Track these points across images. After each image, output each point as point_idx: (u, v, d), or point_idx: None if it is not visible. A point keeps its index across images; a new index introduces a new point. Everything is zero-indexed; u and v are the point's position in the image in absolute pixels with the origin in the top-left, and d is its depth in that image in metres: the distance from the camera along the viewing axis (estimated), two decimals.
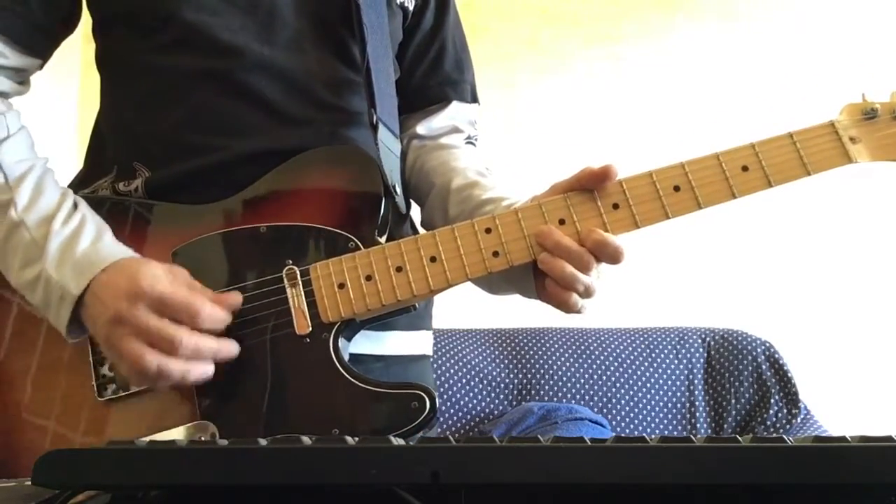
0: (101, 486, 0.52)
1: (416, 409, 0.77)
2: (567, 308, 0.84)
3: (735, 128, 2.33)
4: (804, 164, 0.81)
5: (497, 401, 1.95)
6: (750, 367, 1.97)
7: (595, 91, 2.48)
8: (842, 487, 0.48)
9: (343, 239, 0.84)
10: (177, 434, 0.79)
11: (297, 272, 0.82)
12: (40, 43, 0.92)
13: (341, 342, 0.82)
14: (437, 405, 0.77)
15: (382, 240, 0.85)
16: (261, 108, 0.90)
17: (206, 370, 0.77)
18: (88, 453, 0.53)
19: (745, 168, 0.81)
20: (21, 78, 0.93)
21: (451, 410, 1.93)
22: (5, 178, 0.83)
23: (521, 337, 2.04)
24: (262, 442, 0.52)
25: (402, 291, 0.81)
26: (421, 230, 1.03)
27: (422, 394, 0.77)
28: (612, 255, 0.82)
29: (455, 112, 1.07)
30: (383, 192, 0.86)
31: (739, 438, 0.48)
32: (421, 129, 1.06)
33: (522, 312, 2.26)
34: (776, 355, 1.98)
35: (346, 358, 0.83)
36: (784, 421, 1.92)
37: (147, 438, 0.77)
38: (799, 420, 1.92)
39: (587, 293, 0.84)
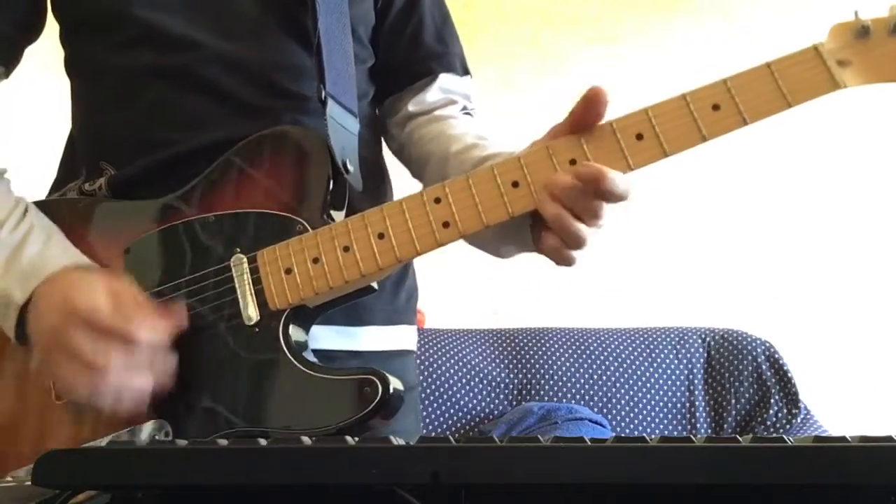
0: (101, 486, 0.52)
1: (368, 395, 0.73)
2: (562, 260, 0.77)
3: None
4: (783, 95, 0.72)
5: (497, 401, 1.95)
6: (750, 367, 1.97)
7: None
8: (842, 487, 0.47)
9: (291, 222, 0.81)
10: (132, 434, 0.77)
11: (244, 260, 0.80)
12: (2, 52, 0.93)
13: (293, 330, 0.79)
14: (395, 389, 0.74)
15: (339, 219, 0.82)
16: (219, 100, 0.90)
17: (140, 390, 0.74)
18: (88, 453, 0.53)
19: (715, 107, 0.73)
20: None
21: (451, 410, 1.93)
22: None
23: (521, 337, 2.04)
24: (263, 442, 0.52)
25: (349, 272, 0.77)
26: None
27: (373, 378, 0.73)
28: (618, 192, 0.71)
29: (446, 84, 1.04)
30: (331, 170, 0.83)
31: (739, 438, 0.48)
32: (412, 106, 1.03)
33: (522, 312, 2.26)
34: (776, 355, 1.98)
35: (307, 350, 0.80)
36: (784, 421, 1.92)
37: (106, 439, 0.76)
38: (799, 420, 1.92)
39: (582, 243, 0.75)
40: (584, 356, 1.99)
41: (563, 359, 1.99)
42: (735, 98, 0.73)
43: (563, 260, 0.76)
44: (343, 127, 0.90)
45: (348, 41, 0.95)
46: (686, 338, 2.04)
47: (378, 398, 0.73)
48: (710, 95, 0.74)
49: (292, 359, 0.77)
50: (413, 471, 0.47)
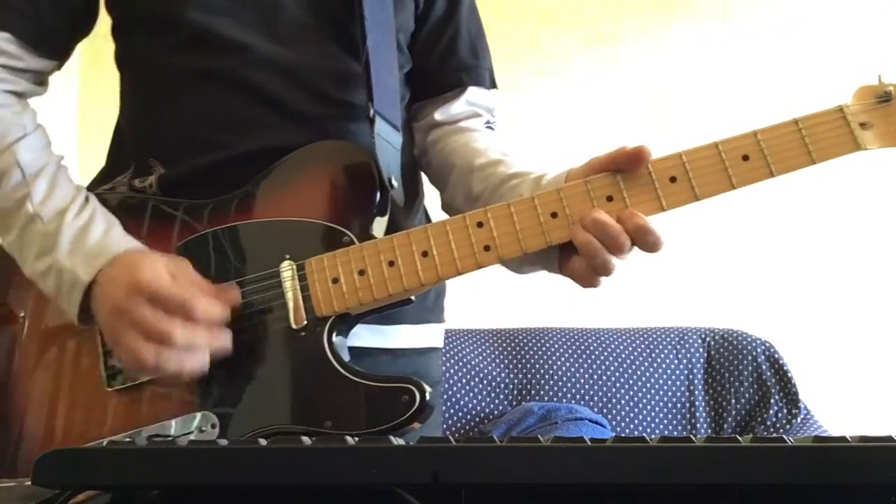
0: (101, 486, 0.52)
1: (405, 403, 0.77)
2: (588, 284, 0.82)
3: (735, 128, 2.34)
4: (809, 152, 0.77)
5: (497, 401, 1.95)
6: (750, 367, 1.97)
7: (595, 91, 2.48)
8: (842, 487, 0.48)
9: (338, 233, 0.85)
10: (181, 423, 0.81)
11: (294, 267, 0.83)
12: (54, 45, 0.94)
13: (336, 336, 0.83)
14: (430, 398, 0.78)
15: (381, 233, 0.86)
16: (266, 104, 0.92)
17: (201, 363, 0.79)
18: (88, 453, 0.53)
19: (745, 157, 0.78)
20: (38, 79, 0.95)
21: (451, 410, 1.93)
22: (23, 175, 0.86)
23: (521, 337, 2.04)
24: (262, 442, 0.52)
25: (393, 285, 0.82)
26: (444, 216, 1.02)
27: (412, 388, 0.77)
28: (651, 244, 0.79)
29: (473, 97, 1.07)
30: (378, 185, 0.87)
31: (739, 438, 0.48)
32: (438, 115, 1.06)
33: (522, 312, 2.26)
34: (776, 355, 1.98)
35: (345, 351, 0.84)
36: (784, 421, 1.92)
37: (150, 429, 0.80)
38: (799, 420, 1.93)
39: (610, 271, 0.81)
40: (584, 356, 1.99)
41: (563, 359, 1.99)
42: (764, 151, 0.78)
43: (589, 284, 0.82)
44: (388, 143, 0.94)
45: (394, 55, 0.99)
46: (686, 338, 2.04)
47: (416, 406, 0.77)
48: (741, 146, 0.79)
49: (336, 363, 0.80)
50: (413, 471, 0.47)
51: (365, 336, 0.92)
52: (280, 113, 0.92)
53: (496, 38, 1.15)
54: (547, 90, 2.48)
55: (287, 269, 0.83)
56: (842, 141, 0.77)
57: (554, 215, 0.80)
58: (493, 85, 1.10)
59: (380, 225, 0.88)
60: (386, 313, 0.91)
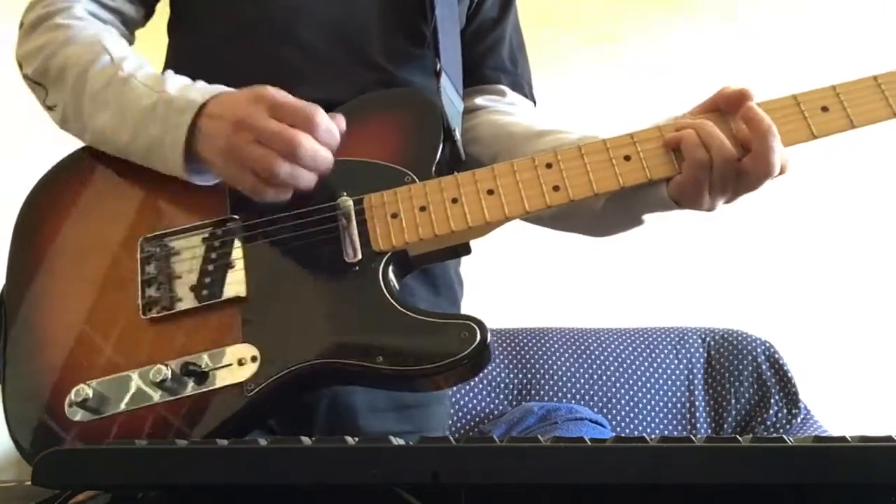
0: (101, 486, 0.52)
1: (466, 339, 0.74)
2: (697, 196, 0.79)
3: None
4: (889, 105, 0.79)
5: (497, 401, 1.95)
6: (750, 367, 1.97)
7: (595, 91, 2.48)
8: (842, 487, 0.48)
9: (399, 174, 0.84)
10: (217, 355, 0.77)
11: (352, 202, 0.82)
12: None
13: (392, 275, 0.81)
14: (489, 341, 0.75)
15: None
16: (317, 61, 0.93)
17: (314, 175, 0.79)
18: (88, 453, 0.53)
19: (825, 108, 0.79)
20: (123, 22, 0.98)
21: (452, 410, 1.93)
22: (111, 58, 0.86)
23: (521, 337, 2.04)
24: (262, 442, 0.52)
25: (456, 222, 0.80)
26: None
27: (472, 324, 0.75)
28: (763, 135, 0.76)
29: (516, 101, 1.08)
30: (443, 132, 0.86)
31: (739, 438, 0.48)
32: (482, 101, 1.07)
33: (522, 312, 2.26)
34: (776, 355, 1.98)
35: (400, 292, 0.82)
36: (784, 421, 1.92)
37: (196, 356, 0.76)
38: (799, 420, 1.92)
39: (722, 189, 0.79)
40: (584, 356, 1.99)
41: (563, 359, 1.99)
42: (843, 102, 0.79)
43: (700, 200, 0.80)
44: (451, 101, 0.95)
45: (457, 33, 1.01)
46: (686, 338, 2.04)
47: (475, 344, 0.74)
48: (820, 98, 0.79)
49: (391, 299, 0.78)
50: (413, 471, 0.47)
51: None
52: (329, 72, 0.93)
53: None
54: (546, 89, 2.48)
55: (344, 204, 0.81)
56: None
57: (627, 158, 0.79)
58: (532, 98, 1.11)
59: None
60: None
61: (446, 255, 0.84)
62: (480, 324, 0.75)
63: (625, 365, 1.98)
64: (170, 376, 0.74)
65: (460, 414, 1.93)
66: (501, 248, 2.28)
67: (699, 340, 2.03)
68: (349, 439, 0.52)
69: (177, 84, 0.84)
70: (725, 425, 1.94)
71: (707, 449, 0.47)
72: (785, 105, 0.79)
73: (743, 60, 2.45)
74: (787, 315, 2.26)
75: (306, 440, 0.52)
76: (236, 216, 0.83)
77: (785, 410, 1.93)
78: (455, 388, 1.95)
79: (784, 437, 0.48)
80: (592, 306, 2.27)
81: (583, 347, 2.01)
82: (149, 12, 1.01)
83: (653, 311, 2.25)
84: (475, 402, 1.94)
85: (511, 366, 1.99)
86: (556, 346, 2.01)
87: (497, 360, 2.00)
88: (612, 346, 2.02)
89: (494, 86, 1.08)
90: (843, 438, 0.47)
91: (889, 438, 0.47)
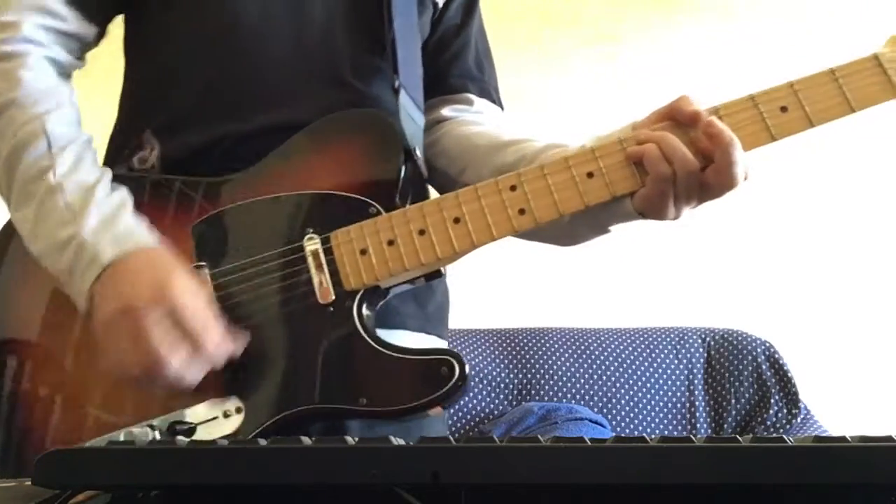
0: (101, 486, 0.52)
1: (445, 376, 0.75)
2: (662, 208, 0.79)
3: None
4: (847, 101, 0.76)
5: (497, 401, 1.95)
6: (750, 367, 1.97)
7: (595, 91, 2.48)
8: (842, 487, 0.48)
9: (363, 205, 0.82)
10: (201, 410, 0.77)
11: (318, 240, 0.81)
12: (100, 9, 0.92)
13: (366, 311, 0.80)
14: (468, 373, 0.75)
15: (405, 205, 0.84)
16: (285, 81, 0.90)
17: (187, 389, 0.76)
18: (88, 453, 0.53)
19: (783, 108, 0.77)
20: (79, 48, 0.92)
21: (452, 410, 1.93)
22: (49, 146, 0.81)
23: (521, 337, 2.04)
24: (262, 442, 0.52)
25: (425, 255, 0.79)
26: None
27: (451, 359, 0.75)
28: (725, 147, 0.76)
29: (483, 108, 1.06)
30: (403, 154, 0.84)
31: (739, 438, 0.48)
32: (448, 112, 1.05)
33: (522, 312, 2.26)
34: (776, 355, 1.98)
35: (373, 326, 0.81)
36: (784, 421, 1.92)
37: (167, 417, 0.77)
38: (799, 420, 1.92)
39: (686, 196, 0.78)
40: (584, 356, 1.99)
41: (563, 359, 1.99)
42: (801, 101, 0.77)
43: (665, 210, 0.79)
44: (412, 118, 0.92)
45: (417, 45, 0.98)
46: (686, 338, 2.04)
47: (455, 379, 0.74)
48: (779, 98, 0.78)
49: (368, 338, 0.78)
50: (413, 471, 0.47)
51: None
52: (297, 92, 0.90)
53: (496, 38, 1.15)
54: (546, 89, 2.48)
55: (311, 244, 0.80)
56: (880, 89, 0.76)
57: (590, 175, 0.79)
58: (499, 104, 1.09)
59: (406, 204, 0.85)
60: (388, 318, 0.89)
61: (417, 281, 0.83)
62: (458, 358, 0.76)
63: (625, 365, 1.98)
64: (157, 437, 0.73)
65: (460, 414, 1.93)
66: (501, 248, 2.28)
67: (699, 340, 2.03)
68: (349, 439, 0.52)
69: (97, 217, 0.79)
70: (725, 425, 1.93)
71: (707, 449, 0.47)
72: (744, 108, 0.78)
73: (743, 60, 2.45)
74: (787, 315, 2.26)
75: (306, 440, 0.52)
76: (203, 263, 0.82)
77: (785, 410, 1.93)
78: None
79: (784, 437, 0.48)
80: (592, 306, 2.27)
81: (583, 347, 2.01)
82: (102, 31, 0.95)
83: (653, 311, 2.25)
84: (475, 402, 1.94)
85: (511, 366, 1.99)
86: (556, 346, 2.01)
87: (497, 360, 2.00)
88: (612, 346, 2.02)
89: (461, 94, 1.06)
90: (843, 438, 0.47)
91: (889, 438, 0.47)
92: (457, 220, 0.79)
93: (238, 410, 0.77)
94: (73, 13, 0.88)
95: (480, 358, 2.00)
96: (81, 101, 0.91)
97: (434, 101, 1.05)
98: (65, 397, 0.82)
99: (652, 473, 0.46)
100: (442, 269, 0.83)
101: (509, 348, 2.02)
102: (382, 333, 0.91)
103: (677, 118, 0.80)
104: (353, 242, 0.80)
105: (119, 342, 0.75)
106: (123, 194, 0.83)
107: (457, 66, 1.06)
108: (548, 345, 2.01)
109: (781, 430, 1.90)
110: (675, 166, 0.77)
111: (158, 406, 0.78)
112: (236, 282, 0.81)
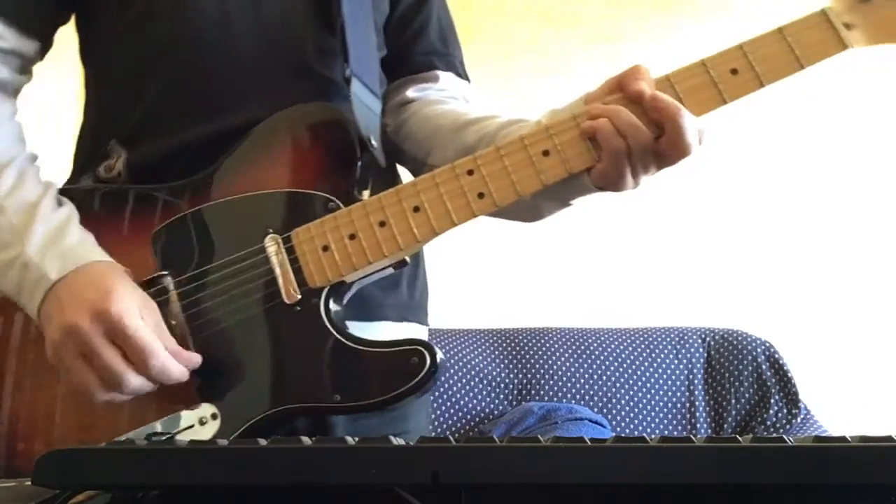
0: (101, 486, 0.52)
1: (416, 365, 0.74)
2: (619, 180, 0.78)
3: (735, 127, 2.33)
4: (797, 58, 0.77)
5: (497, 401, 1.95)
6: (750, 367, 1.97)
7: None
8: (842, 487, 0.48)
9: (322, 200, 0.81)
10: (176, 419, 0.77)
11: (279, 240, 0.80)
12: (37, 23, 0.90)
13: (333, 306, 0.80)
14: (440, 360, 0.75)
15: (365, 196, 0.83)
16: (251, 77, 0.88)
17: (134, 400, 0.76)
18: (88, 453, 0.53)
19: (734, 71, 0.77)
20: (21, 65, 0.91)
21: (451, 410, 1.93)
22: None
23: (521, 337, 2.04)
24: (262, 442, 0.52)
25: (388, 247, 0.79)
26: None
27: (421, 349, 0.75)
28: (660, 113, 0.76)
29: (447, 83, 1.04)
30: (358, 145, 0.83)
31: (739, 438, 0.48)
32: (413, 93, 1.03)
33: (522, 312, 2.26)
34: (776, 355, 1.98)
35: (344, 319, 0.81)
36: (784, 421, 1.92)
37: (142, 430, 0.77)
38: (799, 420, 1.92)
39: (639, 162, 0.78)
40: (584, 356, 1.99)
41: (563, 359, 1.99)
42: (752, 62, 0.77)
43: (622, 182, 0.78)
44: (367, 106, 0.90)
45: (370, 26, 0.96)
46: (686, 338, 2.04)
47: (426, 369, 0.74)
48: (728, 61, 0.78)
49: (337, 334, 0.78)
50: (413, 471, 0.47)
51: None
52: (265, 87, 0.88)
53: (496, 38, 1.15)
54: (546, 89, 2.48)
55: (272, 244, 0.80)
56: (828, 43, 0.77)
57: (546, 153, 0.78)
58: (466, 78, 1.07)
59: (363, 195, 0.84)
60: (367, 310, 0.89)
61: (383, 272, 0.83)
62: (429, 347, 0.75)
63: (625, 365, 1.98)
64: None
65: (460, 414, 1.93)
66: (501, 248, 2.29)
67: (699, 340, 2.03)
68: (349, 439, 0.52)
69: (42, 235, 0.78)
70: (725, 425, 1.93)
71: (707, 449, 0.47)
72: (694, 74, 0.78)
73: None
74: (787, 315, 2.26)
75: (306, 440, 0.52)
76: (166, 272, 0.81)
77: (785, 410, 1.93)
78: (455, 389, 1.95)
79: (784, 437, 0.48)
80: (592, 306, 2.27)
81: (583, 347, 2.01)
82: (46, 44, 0.94)
83: (653, 311, 2.25)
84: (475, 402, 1.94)
85: (511, 366, 1.99)
86: (556, 346, 2.01)
87: (497, 360, 2.00)
88: (612, 346, 2.02)
89: (427, 73, 1.04)
90: (843, 438, 0.47)
91: (889, 438, 0.47)
92: (416, 209, 0.79)
93: (214, 417, 0.77)
94: (10, 31, 0.87)
95: (480, 358, 2.00)
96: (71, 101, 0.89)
97: (399, 83, 1.04)
98: (29, 416, 0.81)
99: (652, 473, 0.46)
100: (407, 257, 0.83)
101: (509, 348, 2.02)
102: (362, 326, 0.90)
103: (625, 91, 0.80)
104: (315, 239, 0.80)
105: (67, 362, 0.75)
106: (69, 210, 0.82)
107: (420, 42, 1.04)
108: (548, 345, 2.01)
109: (781, 430, 1.90)
110: (629, 140, 0.76)
111: (131, 420, 0.78)
112: (201, 288, 0.81)
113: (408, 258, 0.83)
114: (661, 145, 0.77)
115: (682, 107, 0.76)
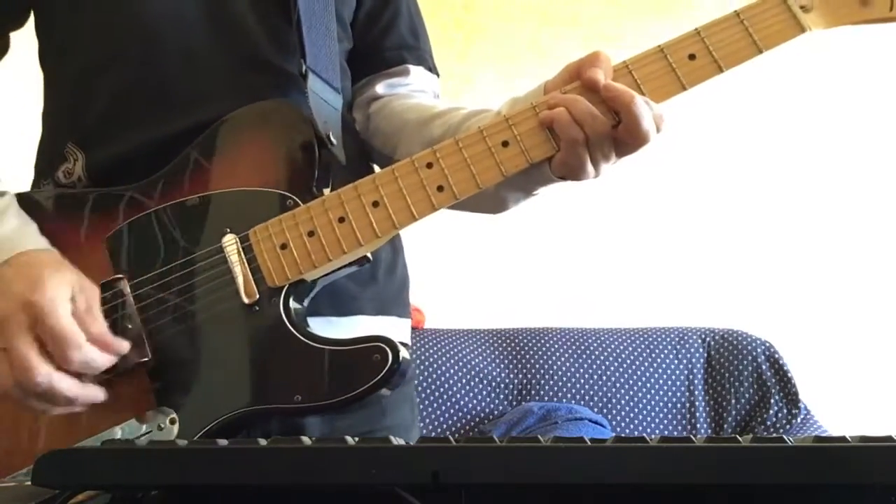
0: (101, 486, 0.52)
1: (378, 362, 0.73)
2: (579, 169, 0.77)
3: (734, 126, 2.34)
4: (754, 42, 0.76)
5: (497, 401, 1.95)
6: (750, 367, 1.97)
7: None
8: (842, 487, 0.47)
9: (279, 198, 0.80)
10: (134, 425, 0.76)
11: (237, 239, 0.79)
12: None
13: (294, 305, 0.78)
14: (405, 355, 0.73)
15: (326, 193, 0.82)
16: (208, 73, 0.87)
17: (61, 408, 0.73)
18: (88, 453, 0.53)
19: (692, 56, 0.77)
20: None
21: (451, 410, 1.93)
22: None
23: (521, 337, 2.04)
24: (262, 442, 0.52)
25: (347, 243, 0.78)
26: None
27: (382, 345, 0.73)
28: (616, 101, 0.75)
29: (417, 78, 1.04)
30: (315, 142, 0.82)
31: (739, 438, 0.47)
32: (382, 89, 1.02)
33: (522, 312, 2.26)
34: (776, 355, 1.98)
35: (305, 317, 0.80)
36: (784, 421, 1.92)
37: (105, 433, 0.75)
38: (799, 420, 1.93)
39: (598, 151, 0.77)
40: (584, 356, 1.99)
41: (563, 359, 1.99)
42: (709, 47, 0.77)
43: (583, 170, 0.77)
44: (325, 101, 0.89)
45: (331, 19, 0.94)
46: (686, 338, 2.04)
47: (388, 365, 0.73)
48: (686, 46, 0.78)
49: (297, 333, 0.76)
50: (413, 471, 0.47)
51: (321, 328, 0.87)
52: (222, 83, 0.87)
53: (495, 38, 1.15)
54: None
55: (230, 243, 0.79)
56: (785, 26, 0.76)
57: (505, 144, 0.77)
58: (434, 71, 1.06)
59: (326, 192, 0.82)
60: (344, 304, 0.88)
61: (347, 269, 0.81)
62: (390, 343, 0.74)
63: (625, 365, 1.98)
64: None
65: (460, 414, 1.93)
66: (501, 248, 2.29)
67: (699, 340, 2.03)
68: (349, 439, 0.52)
69: None
70: (725, 425, 1.94)
71: (707, 449, 0.47)
72: (652, 60, 0.78)
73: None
74: (787, 315, 2.26)
75: (306, 440, 0.52)
76: (121, 275, 0.80)
77: (785, 410, 1.93)
78: (455, 388, 1.95)
79: (784, 437, 0.48)
80: (592, 306, 2.27)
81: (583, 347, 2.01)
82: (4, 45, 0.92)
83: (653, 311, 2.25)
84: (475, 402, 1.95)
85: (511, 366, 1.99)
86: (556, 346, 2.01)
87: (497, 360, 2.00)
88: (612, 346, 2.02)
89: (397, 67, 1.03)
90: (843, 438, 0.47)
91: (889, 438, 0.47)
92: (376, 204, 0.78)
93: (172, 421, 0.75)
94: None
95: (480, 358, 2.00)
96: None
97: (369, 79, 1.03)
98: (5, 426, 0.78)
99: (652, 473, 0.46)
100: (369, 254, 0.81)
101: (509, 348, 2.02)
102: (335, 321, 0.89)
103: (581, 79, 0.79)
104: (273, 238, 0.78)
105: None
106: (8, 199, 0.82)
107: (390, 37, 1.03)
108: (548, 345, 2.01)
109: (781, 430, 1.90)
110: (586, 129, 0.75)
111: (84, 428, 0.76)
112: (158, 290, 0.79)
113: (370, 255, 0.81)
114: (619, 133, 0.76)
115: (636, 94, 0.75)
